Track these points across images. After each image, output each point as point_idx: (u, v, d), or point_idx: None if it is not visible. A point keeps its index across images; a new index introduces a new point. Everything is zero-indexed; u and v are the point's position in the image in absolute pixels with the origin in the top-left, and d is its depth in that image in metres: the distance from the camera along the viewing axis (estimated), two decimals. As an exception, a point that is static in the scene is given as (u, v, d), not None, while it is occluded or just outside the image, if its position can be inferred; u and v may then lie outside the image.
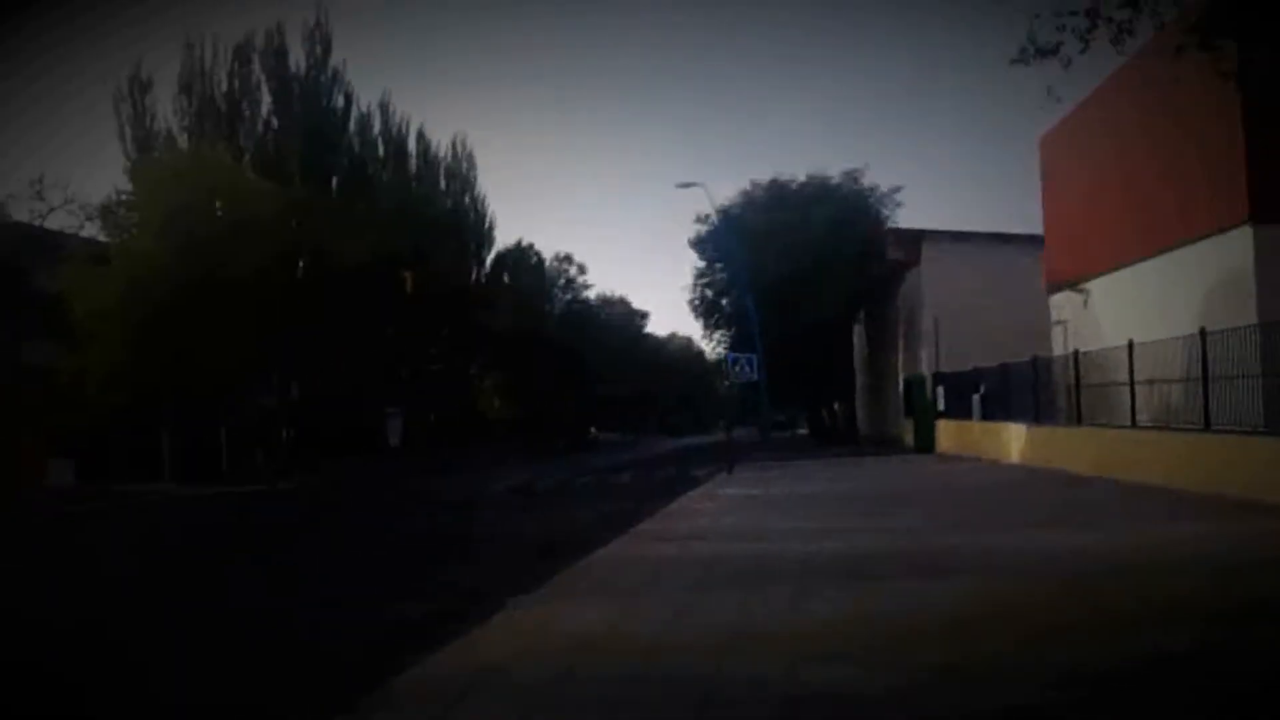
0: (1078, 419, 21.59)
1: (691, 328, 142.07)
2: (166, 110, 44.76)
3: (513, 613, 8.73)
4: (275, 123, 47.60)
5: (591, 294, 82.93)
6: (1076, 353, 21.85)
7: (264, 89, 47.65)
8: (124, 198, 38.23)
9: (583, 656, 6.97)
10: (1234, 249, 18.82)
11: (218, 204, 37.72)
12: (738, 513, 16.52)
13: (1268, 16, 10.51)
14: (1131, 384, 18.55)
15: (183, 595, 11.89)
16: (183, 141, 43.99)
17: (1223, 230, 19.16)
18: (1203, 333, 15.96)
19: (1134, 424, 18.51)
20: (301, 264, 42.50)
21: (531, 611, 8.74)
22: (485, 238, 65.22)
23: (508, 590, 9.81)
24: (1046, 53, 11.16)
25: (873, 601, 8.21)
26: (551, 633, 7.81)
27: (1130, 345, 18.62)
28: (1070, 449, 21.48)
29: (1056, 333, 28.41)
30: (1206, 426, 15.75)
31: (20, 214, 35.97)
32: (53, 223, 36.29)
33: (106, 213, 37.54)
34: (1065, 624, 7.16)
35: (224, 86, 46.37)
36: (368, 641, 8.78)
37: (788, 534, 13.06)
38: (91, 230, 37.14)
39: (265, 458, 41.03)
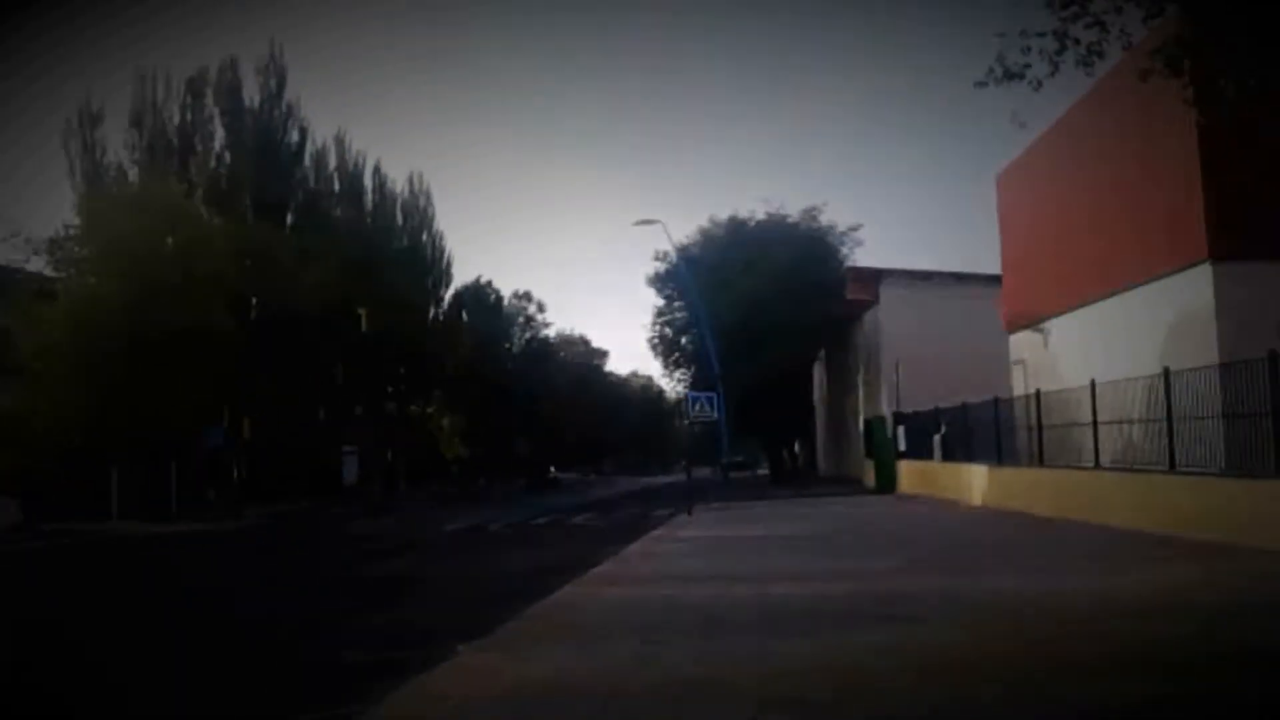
0: (1040, 460, 21.39)
1: (652, 366, 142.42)
2: (117, 144, 44.32)
3: (462, 660, 8.29)
4: (228, 157, 47.16)
5: (551, 332, 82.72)
6: (1038, 393, 21.68)
7: (217, 123, 47.26)
8: (72, 232, 37.45)
9: (534, 707, 6.54)
10: (1194, 287, 18.75)
11: (168, 239, 37.04)
12: (697, 556, 16.10)
13: (1234, 41, 10.36)
14: (1094, 424, 18.38)
15: (100, 640, 11.29)
16: (133, 175, 43.44)
17: (1182, 268, 19.11)
18: (1166, 372, 15.80)
19: (1097, 465, 18.32)
20: (254, 300, 41.86)
21: (482, 658, 8.30)
22: (443, 275, 64.81)
23: (458, 636, 9.38)
24: (1013, 75, 10.94)
25: (837, 650, 7.83)
26: (502, 681, 7.38)
27: (1093, 385, 18.46)
28: (1033, 491, 21.27)
29: (1016, 372, 28.33)
30: (1171, 468, 15.55)
31: (-38, 249, 35.21)
32: (-4, 257, 35.51)
33: (54, 247, 36.77)
34: (1033, 675, 6.82)
35: (176, 120, 45.95)
36: (306, 693, 8.28)
37: (749, 578, 12.65)
38: (38, 264, 36.35)
39: (217, 496, 40.22)
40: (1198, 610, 9.05)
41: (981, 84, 11.31)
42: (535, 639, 8.98)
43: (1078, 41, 10.55)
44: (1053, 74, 10.75)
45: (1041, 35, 10.53)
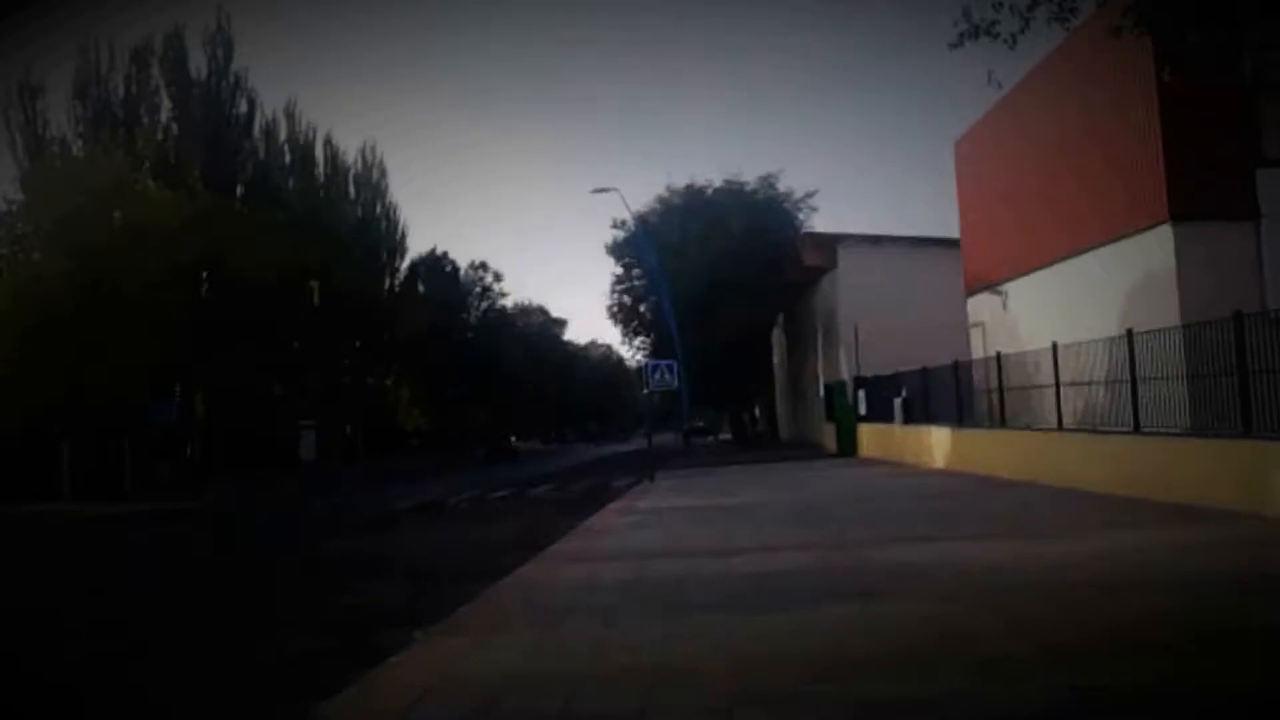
0: (1001, 422, 21.32)
1: (611, 334, 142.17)
2: (60, 117, 43.39)
3: (419, 647, 7.99)
4: (175, 129, 46.38)
5: (508, 302, 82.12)
6: (999, 355, 21.58)
7: (163, 94, 46.48)
8: (15, 208, 36.52)
9: (496, 700, 6.27)
10: (1154, 248, 18.68)
11: (115, 213, 36.22)
12: (659, 527, 15.87)
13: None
14: (1057, 386, 18.27)
15: (31, 630, 10.87)
16: (78, 149, 42.45)
17: (1142, 229, 19.02)
18: (1129, 333, 15.66)
19: (1060, 427, 18.24)
20: (204, 274, 41.13)
21: (440, 645, 8.01)
22: (398, 246, 64.23)
23: (415, 621, 9.10)
24: (983, 32, 10.65)
25: (808, 630, 7.59)
26: (461, 670, 7.09)
27: (1054, 347, 18.34)
28: (995, 452, 21.21)
29: (975, 335, 28.29)
30: (1136, 429, 15.46)
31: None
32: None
33: (-2, 223, 35.88)
34: (1014, 655, 6.58)
35: (121, 92, 44.99)
36: (253, 686, 7.96)
37: (713, 551, 12.43)
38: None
39: (171, 474, 39.60)
40: (1177, 581, 8.84)
41: (956, 45, 11.03)
42: (494, 623, 8.68)
43: (1051, -2, 10.29)
44: (1024, 29, 10.50)
45: None
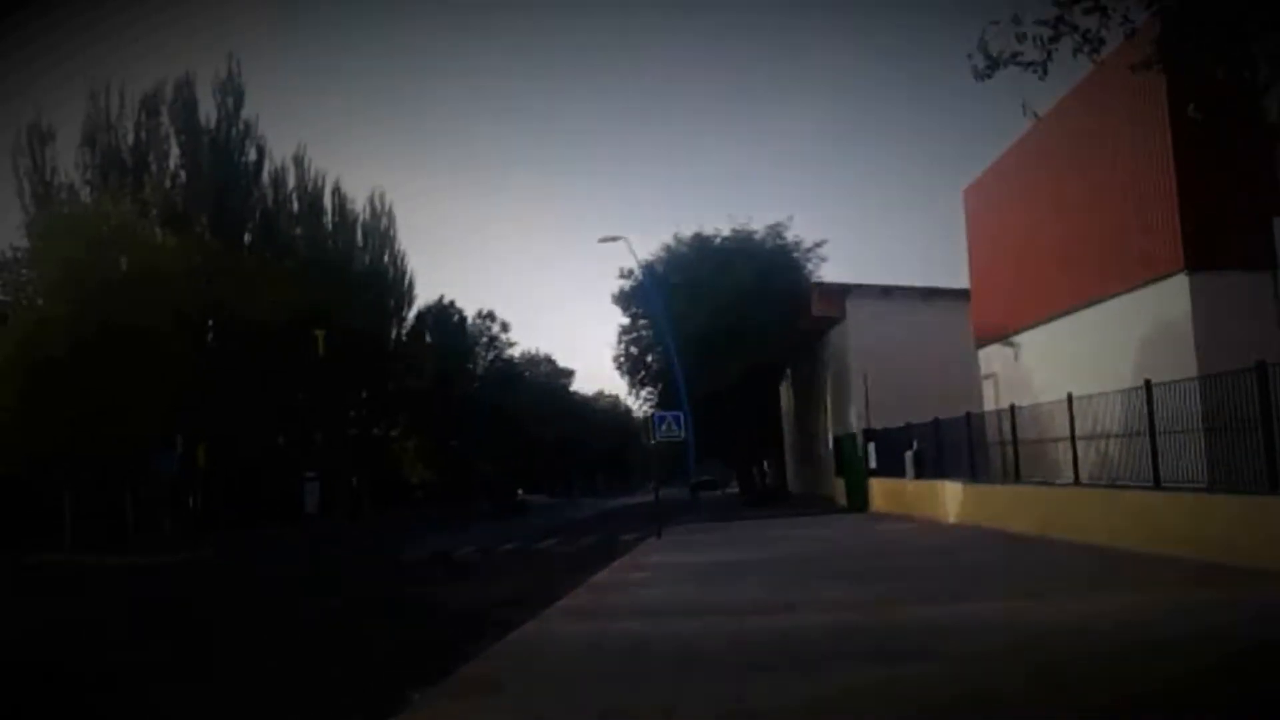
0: (1016, 476, 20.90)
1: (618, 385, 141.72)
2: (68, 163, 43.47)
3: (414, 715, 7.62)
4: (184, 176, 46.41)
5: (515, 352, 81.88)
6: (1013, 407, 21.22)
7: (172, 141, 46.61)
8: (20, 255, 36.47)
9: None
10: (1170, 298, 18.37)
11: (121, 260, 36.12)
12: (668, 585, 15.46)
13: (1232, 35, 9.90)
14: (1073, 439, 17.87)
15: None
16: (85, 195, 42.48)
17: (1158, 279, 18.73)
18: (1148, 385, 15.32)
19: (1076, 481, 17.83)
20: (210, 322, 40.98)
21: (439, 709, 7.65)
22: (405, 295, 64.05)
23: (414, 681, 8.74)
24: (1013, 61, 10.36)
25: (825, 697, 7.19)
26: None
27: (1070, 399, 17.98)
28: (1010, 508, 20.76)
29: (987, 386, 27.96)
30: (1156, 484, 15.06)
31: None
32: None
33: (2, 269, 35.77)
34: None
35: (130, 139, 45.11)
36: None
37: (724, 610, 12.02)
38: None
39: (173, 525, 39.20)
40: (1210, 644, 8.43)
41: (984, 76, 10.73)
42: (495, 686, 8.30)
43: (1075, 28, 10.04)
44: (1048, 59, 10.22)
45: (1042, 23, 9.99)
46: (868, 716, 6.61)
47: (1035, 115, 12.37)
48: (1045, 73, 10.50)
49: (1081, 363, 21.39)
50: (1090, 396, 17.50)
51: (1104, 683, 7.19)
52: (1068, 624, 9.68)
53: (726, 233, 45.13)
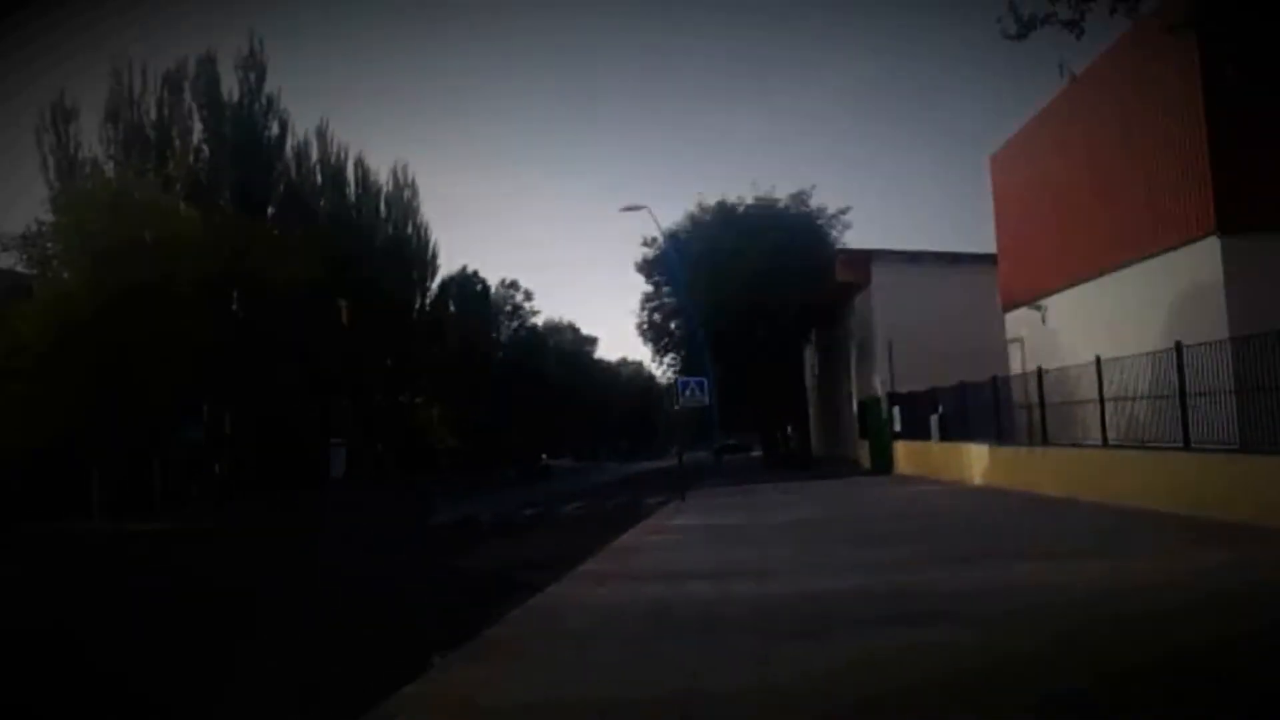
0: (1043, 439, 20.72)
1: (642, 352, 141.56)
2: (92, 139, 43.48)
3: (437, 675, 7.60)
4: (207, 151, 46.39)
5: (539, 320, 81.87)
6: (1040, 370, 21.02)
7: (195, 116, 46.53)
8: (45, 228, 36.59)
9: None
10: (1201, 261, 18.08)
11: (146, 234, 36.21)
12: (692, 547, 15.42)
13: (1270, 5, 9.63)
14: (1101, 401, 17.69)
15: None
16: (109, 170, 42.49)
17: (1188, 242, 18.43)
18: (1178, 347, 15.11)
19: (1105, 443, 17.65)
20: (234, 294, 41.08)
21: (459, 673, 7.61)
22: (429, 265, 64.17)
23: (436, 644, 8.73)
24: (1046, 21, 10.13)
25: (850, 661, 7.10)
26: (479, 704, 6.69)
27: (1098, 361, 17.78)
28: (1036, 470, 20.61)
29: (1013, 350, 27.73)
30: (1186, 445, 14.88)
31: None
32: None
33: (27, 244, 35.93)
34: (1076, 687, 6.11)
35: (153, 114, 45.08)
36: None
37: (747, 573, 11.94)
38: (7, 261, 35.49)
39: (200, 492, 39.51)
40: (1244, 607, 8.32)
41: (1019, 36, 10.49)
42: (517, 651, 8.27)
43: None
44: (1082, 19, 9.98)
45: None
46: (893, 683, 6.50)
47: (1073, 76, 12.12)
48: (1081, 32, 10.26)
49: (1109, 327, 21.14)
50: (1119, 359, 17.29)
51: (1132, 648, 7.07)
52: (1098, 587, 9.54)
53: (750, 201, 44.84)
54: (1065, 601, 8.85)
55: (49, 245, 36.39)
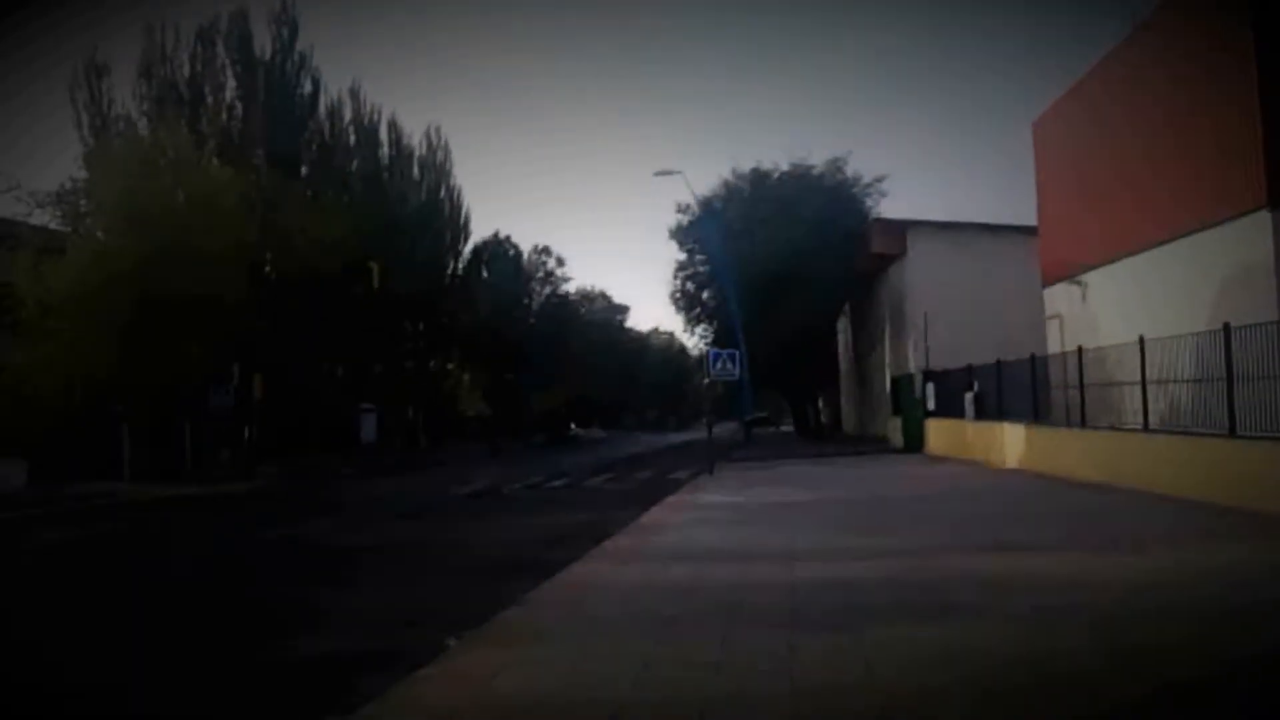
0: (1081, 420, 20.21)
1: (674, 321, 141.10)
2: (125, 95, 43.29)
3: (451, 658, 7.33)
4: (239, 109, 46.09)
5: (571, 287, 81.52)
6: (1080, 350, 20.49)
7: (228, 74, 46.15)
8: (79, 185, 36.49)
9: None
10: (1249, 236, 17.52)
11: (179, 192, 36.08)
12: (717, 526, 15.09)
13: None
14: (1143, 384, 17.18)
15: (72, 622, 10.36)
16: (142, 127, 42.31)
17: (1238, 216, 17.84)
18: (1226, 328, 14.59)
19: (1146, 427, 17.15)
20: (267, 254, 40.94)
21: (474, 656, 7.33)
22: (461, 230, 63.82)
23: (453, 623, 8.46)
24: None
25: (881, 657, 6.76)
26: (493, 691, 6.42)
27: (1141, 341, 17.26)
28: (1075, 453, 20.12)
29: (1051, 327, 27.19)
30: (1231, 432, 14.39)
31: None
32: (-2, 210, 34.65)
33: (60, 201, 35.83)
34: (1129, 699, 5.74)
35: (186, 71, 44.82)
36: (270, 697, 7.34)
37: (774, 555, 11.62)
38: (41, 218, 35.42)
39: (230, 456, 39.57)
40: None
41: None
42: (536, 632, 7.99)
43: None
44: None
45: None
46: (924, 682, 6.16)
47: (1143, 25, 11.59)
48: None
49: (1152, 304, 20.61)
50: (1163, 339, 16.78)
51: (1180, 653, 6.70)
52: (1142, 580, 9.17)
53: (785, 167, 44.33)
54: (1098, 594, 8.47)
55: (82, 203, 36.28)
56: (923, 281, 37.30)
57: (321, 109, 50.55)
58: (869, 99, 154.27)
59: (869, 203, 43.68)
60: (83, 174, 37.23)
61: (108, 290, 32.38)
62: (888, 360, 42.50)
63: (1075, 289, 25.60)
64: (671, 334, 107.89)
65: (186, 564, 15.13)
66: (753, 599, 8.94)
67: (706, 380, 28.83)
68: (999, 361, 25.17)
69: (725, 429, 54.50)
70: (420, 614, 9.66)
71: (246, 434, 39.94)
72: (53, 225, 36.08)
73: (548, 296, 76.93)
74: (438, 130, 61.64)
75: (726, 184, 45.50)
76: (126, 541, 18.63)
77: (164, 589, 12.52)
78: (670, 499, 19.77)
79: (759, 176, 44.57)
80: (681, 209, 46.38)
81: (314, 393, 45.86)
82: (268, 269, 41.44)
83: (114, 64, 42.99)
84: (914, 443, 32.82)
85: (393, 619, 9.67)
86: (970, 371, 27.66)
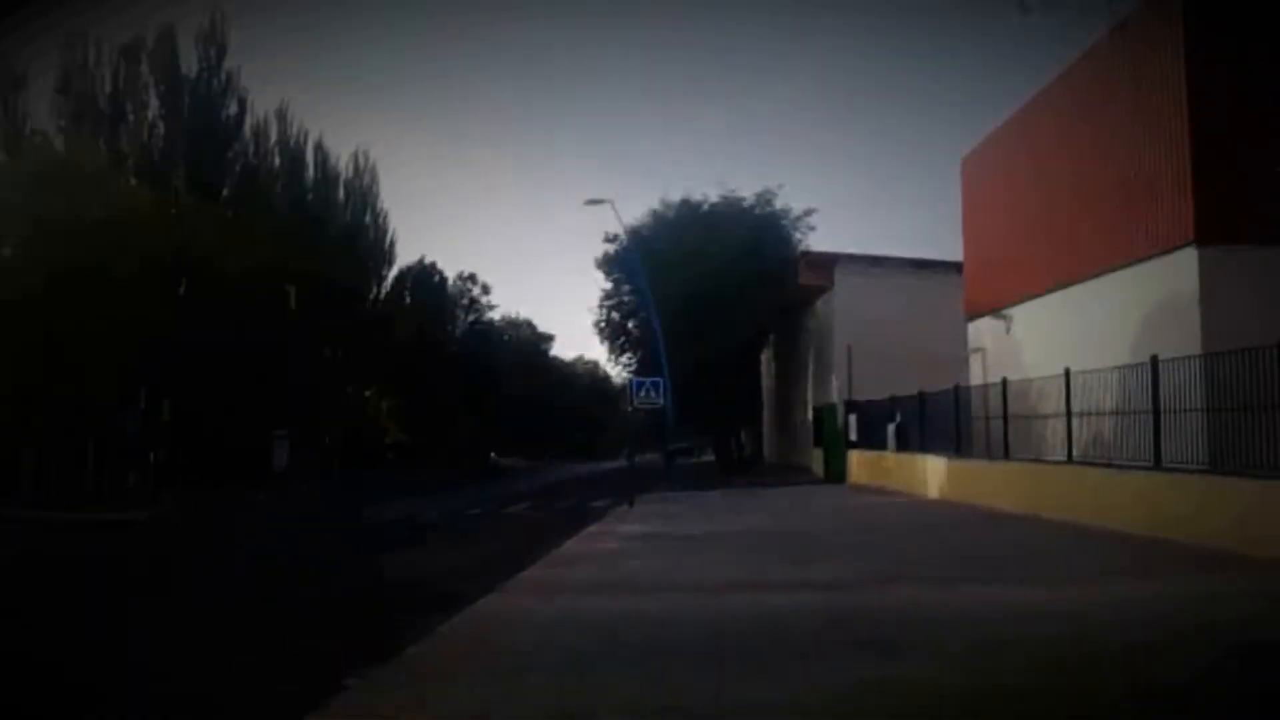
0: (1005, 453, 20.12)
1: (598, 351, 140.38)
2: (41, 110, 41.79)
3: (349, 701, 6.76)
4: (162, 128, 44.99)
5: (495, 315, 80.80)
6: (1004, 381, 20.43)
7: (151, 92, 45.04)
8: (-14, 201, 35.21)
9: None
10: (1176, 272, 17.53)
11: (92, 210, 34.89)
12: (637, 557, 14.60)
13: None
14: (1068, 415, 17.10)
15: None
16: (59, 144, 41.02)
17: (1165, 252, 17.89)
18: (1154, 361, 14.53)
19: (1070, 459, 17.06)
20: (183, 276, 39.84)
21: (374, 698, 6.79)
22: (386, 255, 63.06)
23: (354, 661, 7.86)
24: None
25: (809, 699, 6.34)
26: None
27: (1067, 374, 17.18)
28: (997, 484, 20.01)
29: (974, 361, 27.24)
30: (1156, 464, 14.30)
31: None
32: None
33: (-34, 216, 34.57)
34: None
35: (108, 86, 43.56)
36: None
37: (696, 588, 11.19)
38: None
39: (137, 481, 38.26)
40: (1218, 636, 7.72)
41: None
42: (442, 673, 7.43)
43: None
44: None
45: None
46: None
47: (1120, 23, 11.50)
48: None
49: (1076, 338, 20.63)
50: (1089, 372, 16.72)
51: (1110, 679, 6.41)
52: (1065, 611, 8.93)
53: (715, 199, 44.15)
54: (1038, 632, 8.14)
55: (-10, 219, 35.03)
56: (849, 315, 37.35)
57: (247, 130, 49.67)
58: (799, 132, 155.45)
59: (797, 235, 43.68)
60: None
61: (14, 308, 31.22)
62: (811, 391, 42.48)
63: (999, 323, 25.66)
64: (596, 363, 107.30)
65: None
66: (675, 635, 8.46)
67: (630, 409, 28.43)
68: (922, 393, 25.11)
69: (647, 459, 54.03)
70: (322, 652, 9.04)
71: (153, 458, 38.67)
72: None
73: (472, 323, 76.16)
74: (365, 154, 60.63)
75: (655, 214, 45.20)
76: None
77: None
78: (590, 529, 19.25)
79: (688, 207, 44.35)
80: (609, 238, 46.02)
81: (226, 417, 44.58)
82: (182, 289, 40.35)
83: (32, 77, 41.49)
84: (836, 473, 32.72)
85: (296, 656, 9.03)
86: (894, 402, 27.60)
